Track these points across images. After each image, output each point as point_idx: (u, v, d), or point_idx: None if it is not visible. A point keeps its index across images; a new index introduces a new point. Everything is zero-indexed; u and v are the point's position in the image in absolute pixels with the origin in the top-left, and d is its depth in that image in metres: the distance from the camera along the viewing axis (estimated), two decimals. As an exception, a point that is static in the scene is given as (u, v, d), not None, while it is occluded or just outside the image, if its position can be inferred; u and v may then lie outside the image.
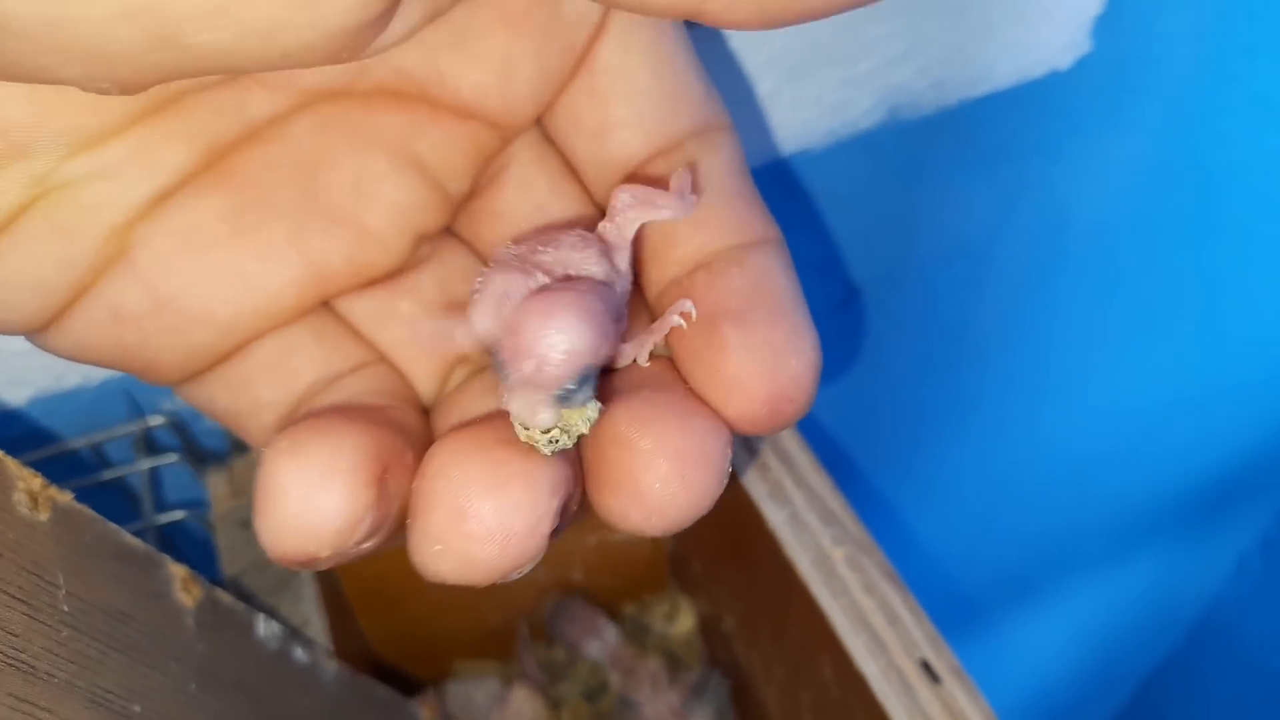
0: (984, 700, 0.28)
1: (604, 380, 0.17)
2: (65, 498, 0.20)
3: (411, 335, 0.18)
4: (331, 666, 0.27)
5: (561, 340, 0.14)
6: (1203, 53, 0.38)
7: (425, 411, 0.18)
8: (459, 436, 0.15)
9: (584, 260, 0.16)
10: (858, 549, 0.30)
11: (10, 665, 0.17)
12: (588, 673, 0.41)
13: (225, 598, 0.24)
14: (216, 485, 0.32)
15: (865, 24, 0.31)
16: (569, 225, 0.18)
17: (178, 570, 0.23)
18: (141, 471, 0.31)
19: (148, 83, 0.13)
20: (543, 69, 0.17)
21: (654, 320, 0.17)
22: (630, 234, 0.17)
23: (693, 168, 0.17)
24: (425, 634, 0.38)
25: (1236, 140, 0.43)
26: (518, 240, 0.17)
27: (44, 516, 0.19)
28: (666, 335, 0.17)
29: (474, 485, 0.14)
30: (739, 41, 0.30)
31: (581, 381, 0.15)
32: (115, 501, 0.34)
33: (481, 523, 0.14)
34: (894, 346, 0.46)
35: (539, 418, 0.15)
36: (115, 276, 0.16)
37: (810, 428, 0.35)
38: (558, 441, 0.15)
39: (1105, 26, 0.35)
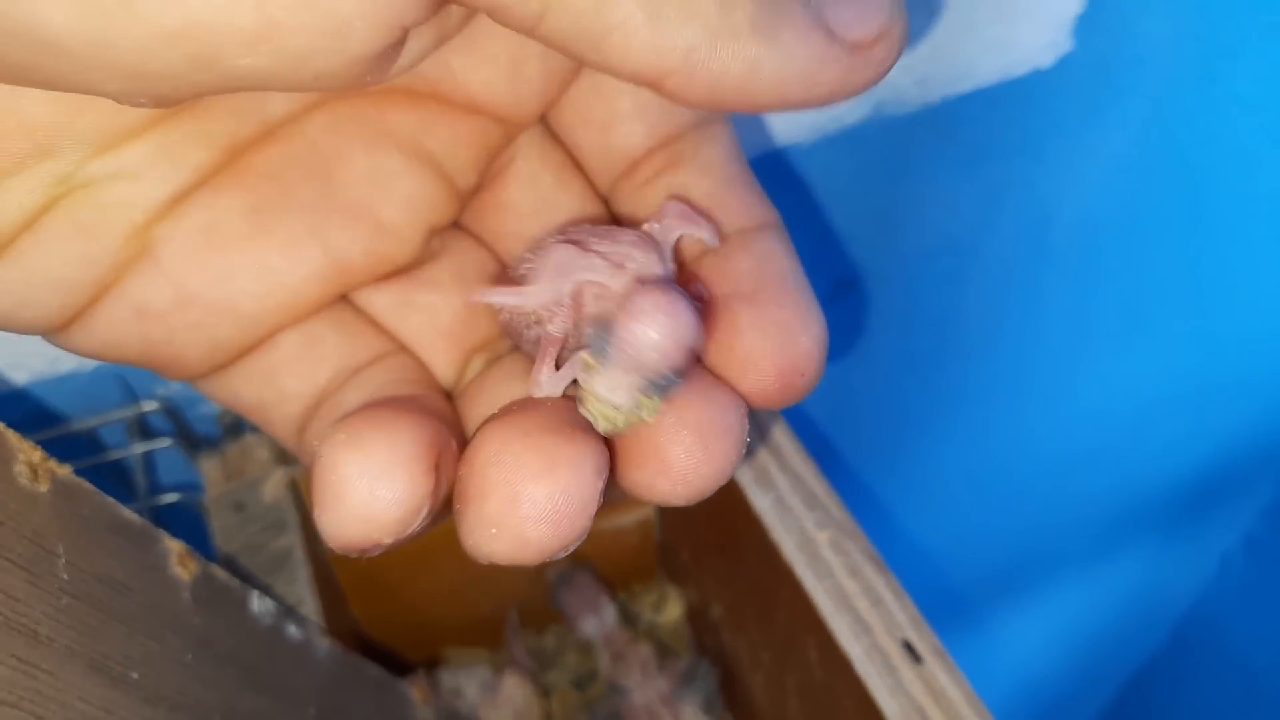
0: (965, 680, 0.28)
1: None
2: (64, 471, 0.20)
3: (480, 302, 0.18)
4: (324, 644, 0.28)
5: (682, 333, 0.15)
6: (1183, 52, 0.39)
7: (450, 398, 0.19)
8: (504, 424, 0.15)
9: (649, 261, 0.17)
10: (841, 533, 0.30)
11: (13, 629, 0.18)
12: (577, 661, 0.41)
13: (220, 574, 0.24)
14: (210, 469, 0.32)
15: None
16: (606, 223, 0.19)
17: (174, 545, 0.23)
18: (135, 455, 0.32)
19: (183, 99, 0.14)
20: (549, 66, 0.17)
21: None
22: (673, 239, 0.18)
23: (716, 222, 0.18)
24: (416, 620, 0.38)
25: (1217, 139, 0.44)
26: (563, 230, 0.18)
27: (44, 488, 0.20)
28: None
29: (526, 470, 0.15)
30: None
31: (679, 374, 0.15)
32: (110, 484, 0.34)
33: (535, 505, 0.14)
34: (880, 341, 0.47)
35: (623, 398, 0.15)
36: (139, 274, 0.16)
37: (797, 421, 0.35)
38: (617, 425, 0.16)
39: (1086, 26, 0.36)
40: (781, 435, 0.32)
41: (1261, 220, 0.49)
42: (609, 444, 0.16)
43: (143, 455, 0.32)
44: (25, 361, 0.29)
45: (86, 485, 0.21)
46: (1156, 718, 0.88)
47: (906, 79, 0.35)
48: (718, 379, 0.16)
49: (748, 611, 0.35)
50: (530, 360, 0.17)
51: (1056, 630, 0.80)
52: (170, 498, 0.32)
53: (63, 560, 0.19)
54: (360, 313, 0.19)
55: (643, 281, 0.16)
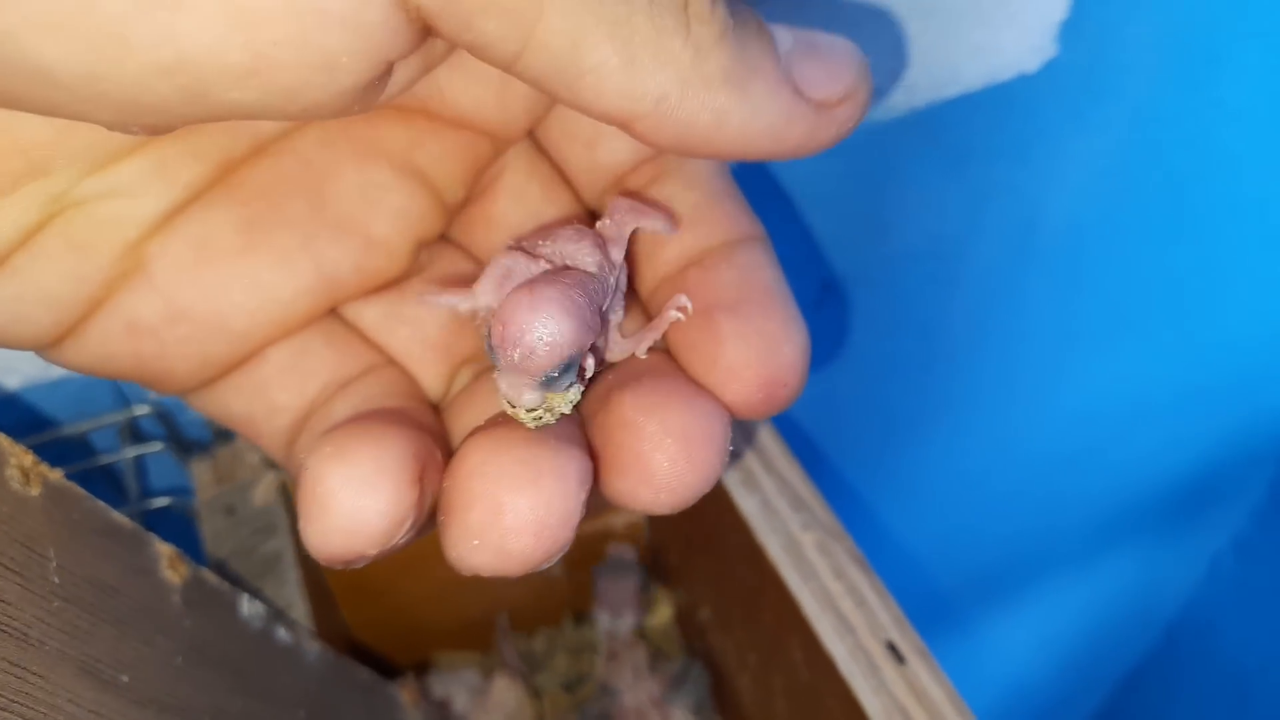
0: (947, 680, 0.28)
1: (605, 373, 0.18)
2: (56, 474, 0.21)
3: (421, 304, 0.19)
4: (314, 647, 0.28)
5: (545, 332, 0.15)
6: (1167, 58, 0.39)
7: (437, 411, 0.19)
8: (488, 436, 0.16)
9: (579, 251, 0.17)
10: (827, 534, 0.31)
11: (4, 632, 0.18)
12: (567, 663, 0.41)
13: (210, 577, 0.25)
14: (201, 473, 0.33)
15: (837, 29, 0.32)
16: (567, 220, 0.19)
17: (164, 549, 0.23)
18: (127, 459, 0.32)
19: (174, 127, 0.14)
20: None
21: (648, 315, 0.18)
22: (626, 233, 0.18)
23: (673, 209, 0.18)
24: (405, 623, 0.39)
25: (1201, 143, 0.44)
26: (521, 237, 0.18)
27: (35, 492, 0.20)
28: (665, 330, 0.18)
29: (508, 481, 0.15)
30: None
31: (564, 369, 0.15)
32: (101, 488, 0.34)
33: (518, 516, 0.15)
34: (866, 344, 0.47)
35: (524, 399, 0.16)
36: (131, 290, 0.16)
37: (784, 424, 0.35)
38: (541, 419, 0.16)
39: (1071, 31, 0.36)
40: (768, 438, 0.33)
41: (1245, 224, 0.49)
42: (592, 454, 0.16)
43: (134, 459, 0.32)
44: (18, 366, 0.30)
45: (78, 489, 0.21)
46: None
47: (893, 84, 0.35)
48: (701, 388, 0.17)
49: (734, 613, 0.36)
50: None
51: (1045, 633, 0.80)
52: (161, 501, 0.32)
53: (54, 564, 0.20)
54: (349, 326, 0.19)
55: (522, 282, 0.16)
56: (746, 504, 0.31)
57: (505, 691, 0.40)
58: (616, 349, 0.18)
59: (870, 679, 0.28)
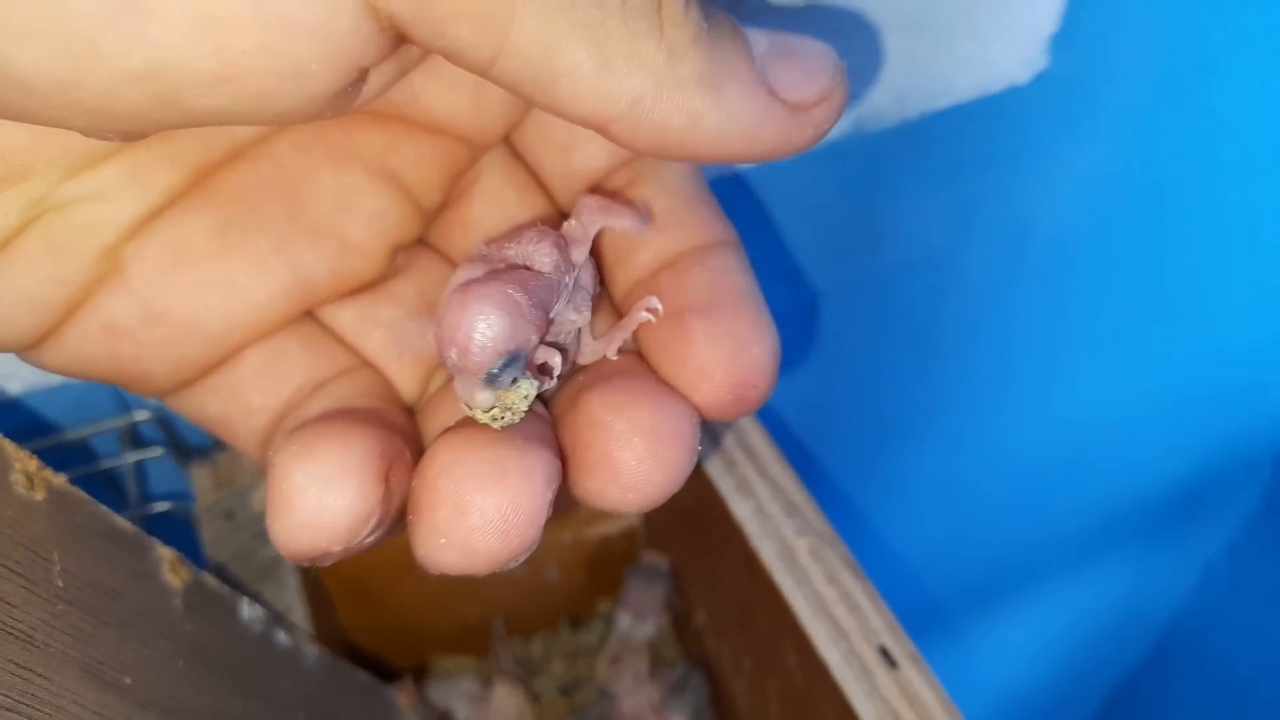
0: (939, 684, 0.29)
1: (576, 374, 0.18)
2: (59, 479, 0.21)
3: (393, 336, 0.19)
4: (313, 650, 0.28)
5: (478, 330, 0.15)
6: (1157, 68, 0.40)
7: (411, 413, 0.19)
8: (456, 435, 0.16)
9: (537, 251, 0.17)
10: (820, 540, 0.31)
11: (9, 634, 0.18)
12: (564, 668, 0.42)
13: (211, 581, 0.25)
14: (201, 478, 0.33)
15: (831, 39, 0.32)
16: (535, 222, 0.19)
17: (166, 553, 0.24)
18: (127, 464, 0.32)
19: (148, 134, 0.14)
20: None
21: (621, 318, 0.18)
22: (592, 233, 0.18)
23: (647, 206, 0.19)
24: (402, 628, 0.39)
25: (1190, 153, 0.44)
26: (490, 240, 0.18)
27: (39, 496, 0.20)
28: (636, 331, 0.18)
29: (475, 481, 0.15)
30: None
31: (505, 365, 0.16)
32: (102, 493, 0.34)
33: (484, 515, 0.15)
34: (859, 352, 0.47)
35: (475, 399, 0.16)
36: (109, 292, 0.17)
37: (777, 430, 0.36)
38: (501, 419, 0.16)
39: (1062, 43, 0.37)
40: (761, 444, 0.33)
41: (1235, 232, 0.50)
42: (563, 454, 0.17)
43: (134, 464, 0.32)
44: (19, 371, 0.30)
45: (81, 494, 0.22)
46: (1140, 725, 0.88)
47: (886, 95, 0.36)
48: (670, 388, 0.17)
49: (730, 618, 0.36)
50: None
51: (1039, 640, 0.80)
52: (161, 506, 0.33)
53: (58, 567, 0.20)
54: (325, 328, 0.19)
55: (461, 283, 0.16)
56: (741, 510, 0.32)
57: (505, 699, 0.40)
58: (587, 350, 0.18)
59: (863, 683, 0.29)
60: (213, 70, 0.13)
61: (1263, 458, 0.69)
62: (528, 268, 0.17)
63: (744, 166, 0.35)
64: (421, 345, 0.19)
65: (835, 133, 0.36)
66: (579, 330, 0.18)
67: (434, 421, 0.18)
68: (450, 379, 0.19)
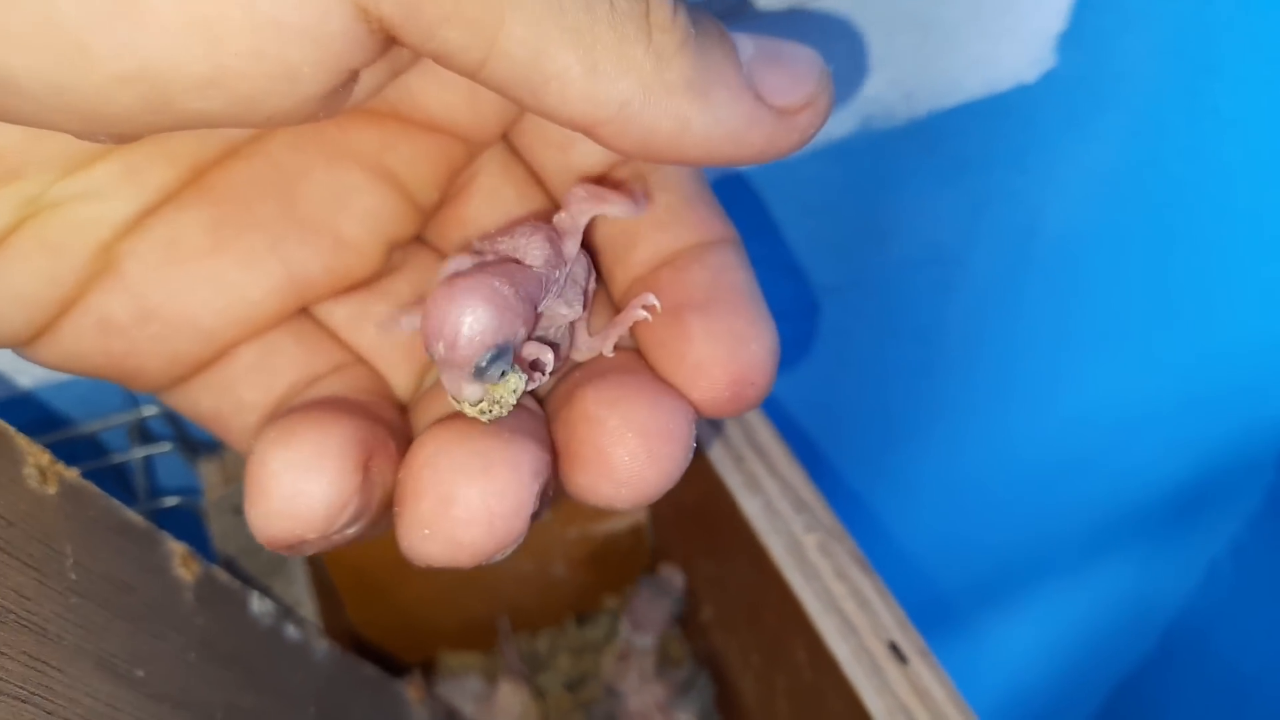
0: (949, 680, 0.29)
1: (572, 371, 0.18)
2: (72, 474, 0.21)
3: (382, 328, 0.19)
4: (322, 644, 0.28)
5: (464, 323, 0.15)
6: (1164, 68, 0.40)
7: (403, 409, 0.19)
8: (443, 428, 0.16)
9: (529, 245, 0.17)
10: (829, 536, 0.31)
11: (24, 626, 0.18)
12: (569, 663, 0.42)
13: (221, 575, 0.25)
14: (209, 473, 0.33)
15: (839, 38, 0.33)
16: (529, 216, 0.19)
17: (177, 547, 0.24)
18: (136, 459, 0.32)
19: (140, 136, 0.15)
20: None
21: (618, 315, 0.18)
22: (582, 223, 0.18)
23: (644, 180, 0.18)
24: (409, 622, 0.39)
25: (1197, 152, 0.44)
26: (484, 236, 0.18)
27: (52, 490, 0.20)
28: (631, 328, 0.18)
29: (460, 472, 0.15)
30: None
31: (493, 359, 0.15)
32: (111, 488, 0.34)
33: (468, 507, 0.15)
34: (867, 349, 0.47)
35: (463, 392, 0.16)
36: (103, 289, 0.17)
37: (784, 428, 0.36)
38: (489, 413, 0.16)
39: (1070, 42, 0.37)
40: (770, 441, 0.33)
41: (1241, 232, 0.50)
42: (556, 450, 0.16)
43: (143, 459, 0.32)
44: (29, 367, 0.30)
45: (93, 488, 0.22)
46: (1143, 724, 0.89)
47: (894, 93, 0.36)
48: (665, 384, 0.17)
49: (737, 614, 0.36)
50: None
51: (1044, 636, 0.80)
52: (170, 501, 0.33)
53: (70, 560, 0.20)
54: (320, 325, 0.19)
55: (448, 277, 0.16)
56: (749, 506, 0.32)
57: (510, 697, 0.40)
58: (583, 347, 0.18)
59: (873, 679, 0.29)
60: (204, 73, 0.13)
61: (1267, 457, 0.69)
62: (518, 261, 0.17)
63: (748, 166, 0.35)
64: (411, 339, 0.19)
65: (843, 131, 0.36)
66: (573, 326, 0.18)
67: (426, 417, 0.18)
68: None
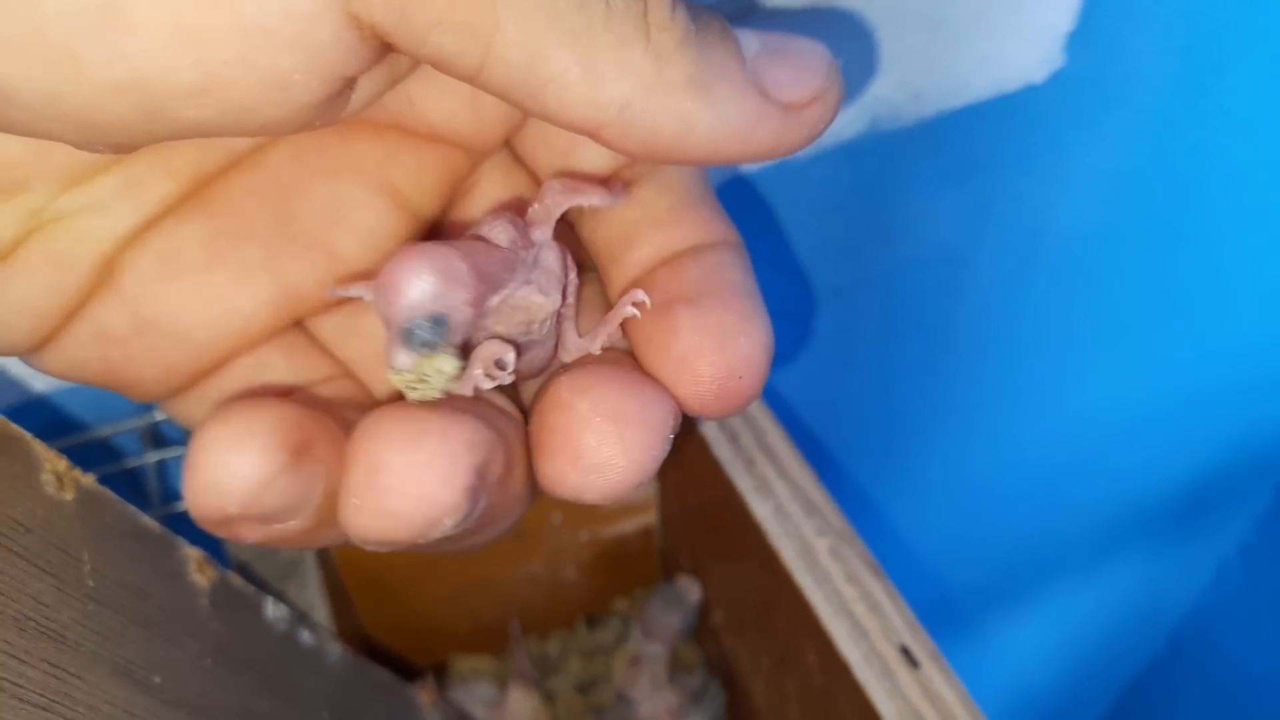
0: (960, 684, 0.29)
1: (558, 372, 0.18)
2: (88, 479, 0.21)
3: (333, 294, 0.18)
4: (336, 649, 0.28)
5: (406, 282, 0.15)
6: (1173, 68, 0.40)
7: None
8: (388, 406, 0.16)
9: (493, 227, 0.17)
10: (840, 539, 0.31)
11: (44, 634, 0.18)
12: (580, 667, 0.42)
13: (236, 580, 0.25)
14: (222, 479, 0.33)
15: (847, 39, 0.33)
16: (500, 206, 0.19)
17: (192, 552, 0.24)
18: (149, 464, 0.32)
19: (138, 146, 0.15)
20: None
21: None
22: (556, 213, 0.17)
23: (620, 181, 0.18)
24: (420, 626, 0.39)
25: (1206, 152, 0.44)
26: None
27: (69, 496, 0.20)
28: (624, 329, 0.17)
29: (390, 440, 0.15)
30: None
31: (428, 327, 0.15)
32: (124, 492, 0.34)
33: (395, 474, 0.14)
34: (876, 350, 0.47)
35: (393, 359, 0.15)
36: (102, 300, 0.17)
37: (796, 430, 0.36)
38: (416, 389, 0.16)
39: (1078, 42, 0.37)
40: (780, 444, 0.33)
41: (1250, 232, 0.50)
42: (511, 434, 0.16)
43: (156, 463, 0.33)
44: (40, 372, 0.30)
45: (109, 494, 0.22)
46: (1152, 724, 0.88)
47: (902, 94, 0.36)
48: (646, 376, 0.16)
49: (748, 617, 0.36)
50: None
51: (1053, 637, 0.80)
52: (183, 505, 0.33)
53: (88, 567, 0.20)
54: (311, 337, 0.19)
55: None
56: (760, 509, 0.32)
57: (520, 702, 0.40)
58: (572, 347, 0.18)
59: (884, 683, 0.29)
60: (194, 82, 0.13)
61: (1275, 457, 0.69)
62: (485, 240, 0.17)
63: (757, 164, 0.35)
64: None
65: (850, 131, 0.36)
66: (561, 326, 0.18)
67: None
68: None
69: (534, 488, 0.17)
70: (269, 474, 0.15)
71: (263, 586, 0.30)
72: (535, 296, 0.17)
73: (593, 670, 0.41)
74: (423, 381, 0.16)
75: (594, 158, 0.19)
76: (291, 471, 0.15)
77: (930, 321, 0.47)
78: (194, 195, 0.17)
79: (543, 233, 0.17)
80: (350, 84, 0.14)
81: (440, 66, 0.14)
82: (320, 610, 0.30)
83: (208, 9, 0.12)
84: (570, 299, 0.18)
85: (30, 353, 0.17)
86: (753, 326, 0.16)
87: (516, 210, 0.18)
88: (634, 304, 0.17)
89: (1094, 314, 0.51)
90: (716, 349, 0.16)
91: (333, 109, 0.14)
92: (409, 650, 0.39)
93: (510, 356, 0.16)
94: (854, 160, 0.37)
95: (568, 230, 0.19)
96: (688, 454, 0.35)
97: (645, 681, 0.39)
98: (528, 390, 0.19)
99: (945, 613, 0.68)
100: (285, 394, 0.17)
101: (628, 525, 0.40)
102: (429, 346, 0.15)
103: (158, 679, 0.21)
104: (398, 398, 0.19)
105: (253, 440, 0.15)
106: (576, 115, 0.14)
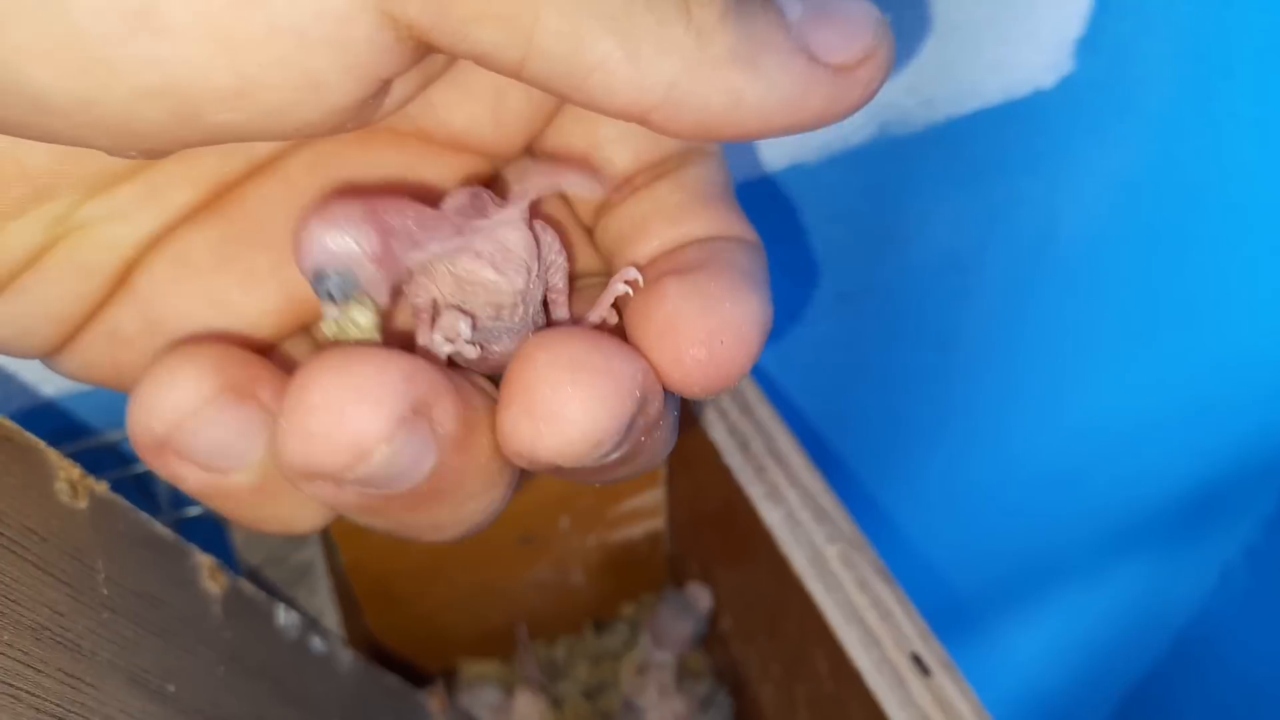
0: (972, 692, 0.29)
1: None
2: (101, 487, 0.21)
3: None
4: (347, 656, 0.28)
5: (305, 234, 0.15)
6: (1182, 72, 0.40)
7: None
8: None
9: (451, 199, 0.17)
10: (850, 547, 0.31)
11: (59, 643, 0.18)
12: (588, 672, 0.42)
13: (248, 587, 0.25)
14: (231, 484, 0.33)
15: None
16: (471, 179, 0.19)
17: (204, 560, 0.24)
18: (159, 470, 0.32)
19: (171, 151, 0.14)
20: (532, 98, 0.18)
21: (619, 313, 0.18)
22: (531, 193, 0.17)
23: (593, 161, 0.18)
24: (428, 631, 0.39)
25: (1215, 157, 0.44)
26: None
27: (83, 504, 0.20)
28: (619, 310, 0.17)
29: (325, 363, 0.14)
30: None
31: (339, 280, 0.15)
32: (134, 498, 0.34)
33: (322, 393, 0.14)
34: (887, 356, 0.47)
35: (323, 310, 0.16)
36: (117, 302, 0.17)
37: (806, 436, 0.36)
38: (334, 330, 0.16)
39: (1087, 47, 0.37)
40: (791, 450, 0.33)
41: (1258, 237, 0.49)
42: (469, 390, 0.16)
43: (165, 469, 0.32)
44: (51, 376, 0.30)
45: (123, 501, 0.22)
46: (1157, 727, 0.88)
47: (912, 99, 0.36)
48: (620, 340, 0.16)
49: (757, 624, 0.36)
50: None
51: (1061, 641, 0.80)
52: (193, 511, 0.33)
53: (102, 575, 0.20)
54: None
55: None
56: (771, 516, 0.32)
57: (528, 707, 0.40)
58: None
59: (896, 691, 0.29)
60: (229, 85, 0.13)
61: (1280, 461, 0.69)
62: (421, 204, 0.17)
63: (771, 167, 0.35)
64: None
65: (859, 136, 0.36)
66: (549, 309, 0.18)
67: None
68: None
69: (510, 469, 0.17)
70: (199, 400, 0.15)
71: (272, 593, 0.29)
72: (486, 272, 0.16)
73: (600, 675, 0.41)
74: (342, 333, 0.16)
75: (615, 158, 0.18)
76: (227, 407, 0.15)
77: (939, 326, 0.47)
78: (212, 201, 0.17)
79: (510, 212, 0.17)
80: (386, 86, 0.14)
81: (481, 62, 0.14)
82: (330, 616, 0.30)
83: (241, 11, 0.12)
84: (560, 284, 0.18)
85: (51, 355, 0.17)
86: (741, 295, 0.16)
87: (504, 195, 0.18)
88: (626, 281, 0.17)
89: (1103, 318, 0.51)
90: (700, 312, 0.16)
91: (368, 110, 0.14)
92: (417, 655, 0.39)
93: (464, 325, 0.16)
94: (863, 165, 0.37)
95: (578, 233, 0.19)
96: (697, 460, 0.35)
97: (653, 689, 0.39)
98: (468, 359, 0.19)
99: (950, 616, 0.68)
100: (222, 337, 0.17)
101: (635, 530, 0.40)
102: (336, 297, 0.16)
103: (172, 687, 0.21)
104: None
105: (189, 366, 0.15)
106: (623, 100, 0.14)
